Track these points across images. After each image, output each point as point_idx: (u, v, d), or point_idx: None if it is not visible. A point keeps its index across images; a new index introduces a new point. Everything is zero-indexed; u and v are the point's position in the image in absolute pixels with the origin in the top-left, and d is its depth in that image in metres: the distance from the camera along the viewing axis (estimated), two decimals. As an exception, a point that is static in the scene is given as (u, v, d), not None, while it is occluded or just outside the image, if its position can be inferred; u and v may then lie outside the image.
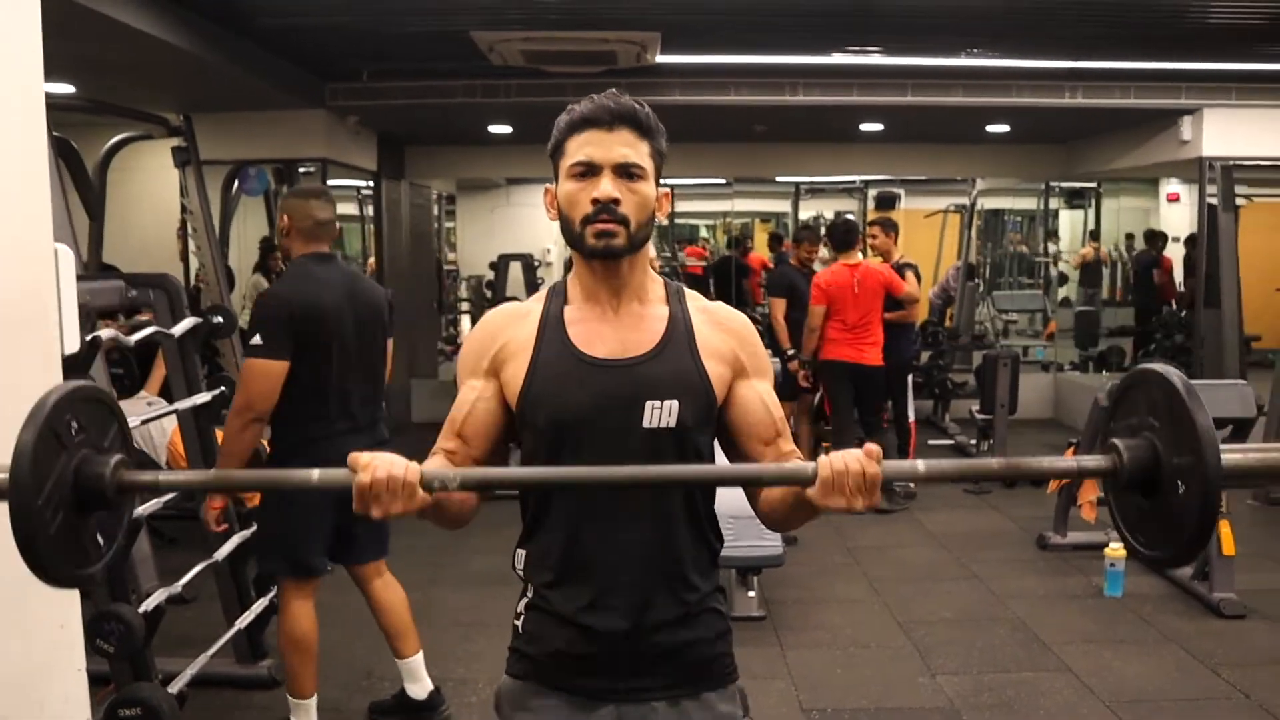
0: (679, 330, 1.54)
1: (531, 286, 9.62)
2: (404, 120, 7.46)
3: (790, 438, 1.61)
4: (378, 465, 1.28)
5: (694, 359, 1.52)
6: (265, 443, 3.18)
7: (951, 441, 7.71)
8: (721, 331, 1.57)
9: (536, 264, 9.01)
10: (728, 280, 9.74)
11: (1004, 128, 7.82)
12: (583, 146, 1.49)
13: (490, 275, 9.77)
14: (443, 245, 10.28)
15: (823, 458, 1.33)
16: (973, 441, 7.29)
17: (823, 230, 8.38)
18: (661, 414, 1.48)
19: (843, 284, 5.78)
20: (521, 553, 1.59)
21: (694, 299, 1.60)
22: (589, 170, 1.49)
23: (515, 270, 8.74)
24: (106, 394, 1.35)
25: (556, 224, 1.55)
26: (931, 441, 7.69)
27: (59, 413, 1.22)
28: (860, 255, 5.98)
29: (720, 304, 1.62)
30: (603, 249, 1.49)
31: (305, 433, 2.97)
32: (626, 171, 1.49)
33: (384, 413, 3.16)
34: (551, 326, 1.54)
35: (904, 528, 5.69)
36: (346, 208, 8.59)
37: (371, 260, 8.13)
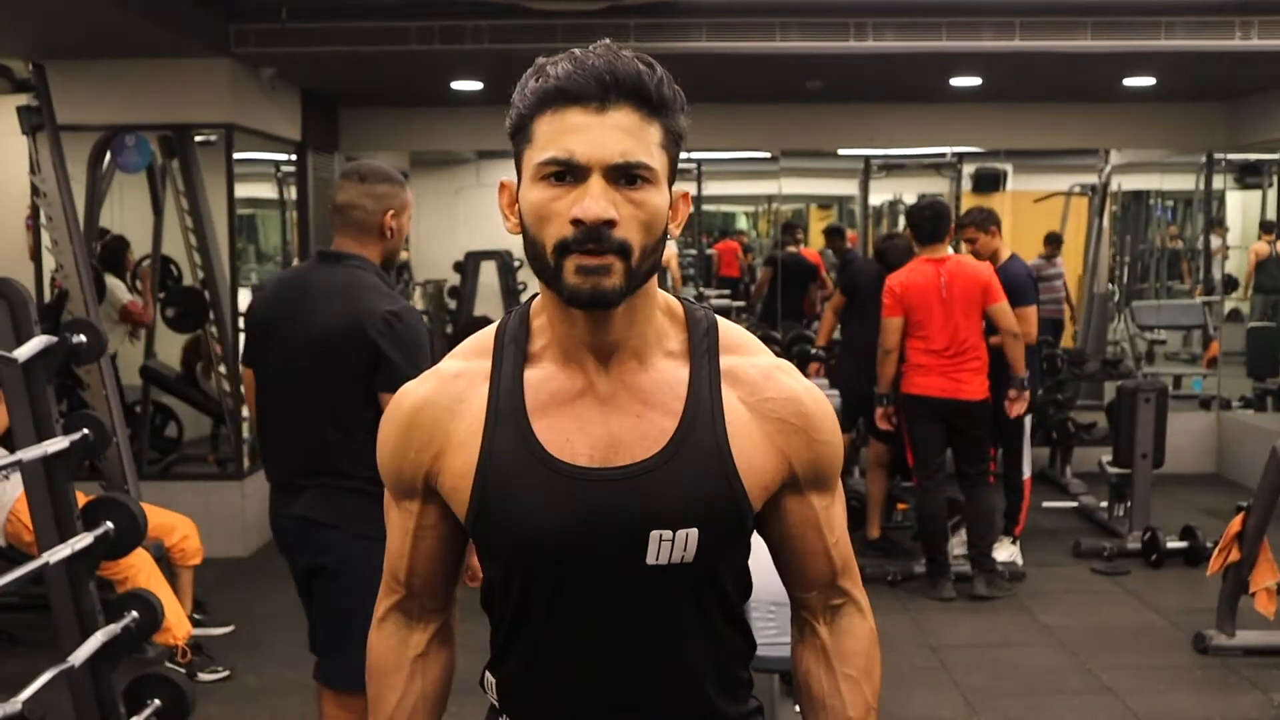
0: (702, 412, 1.47)
1: (510, 294, 9.55)
2: (337, 74, 7.44)
3: (854, 573, 1.61)
4: None
5: (723, 462, 1.46)
6: None
7: (1074, 504, 7.70)
8: (770, 421, 1.50)
9: (517, 264, 9.03)
10: (788, 286, 9.70)
11: (1148, 81, 7.78)
12: (560, 135, 1.38)
13: (455, 280, 9.77)
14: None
15: None
16: (1103, 504, 7.26)
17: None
18: (674, 547, 1.45)
19: (924, 286, 5.74)
20: (491, 680, 1.60)
21: (731, 347, 1.52)
22: (568, 173, 1.38)
23: (488, 272, 8.81)
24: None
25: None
26: (1047, 504, 7.66)
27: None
28: (951, 249, 5.99)
29: (776, 368, 1.53)
30: (589, 294, 1.39)
31: None
32: (627, 175, 1.38)
33: (345, 484, 3.06)
34: (506, 407, 1.48)
35: (1009, 620, 5.68)
36: (261, 189, 8.58)
37: (296, 260, 8.12)
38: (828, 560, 1.57)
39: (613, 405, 1.46)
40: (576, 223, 1.36)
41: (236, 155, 7.01)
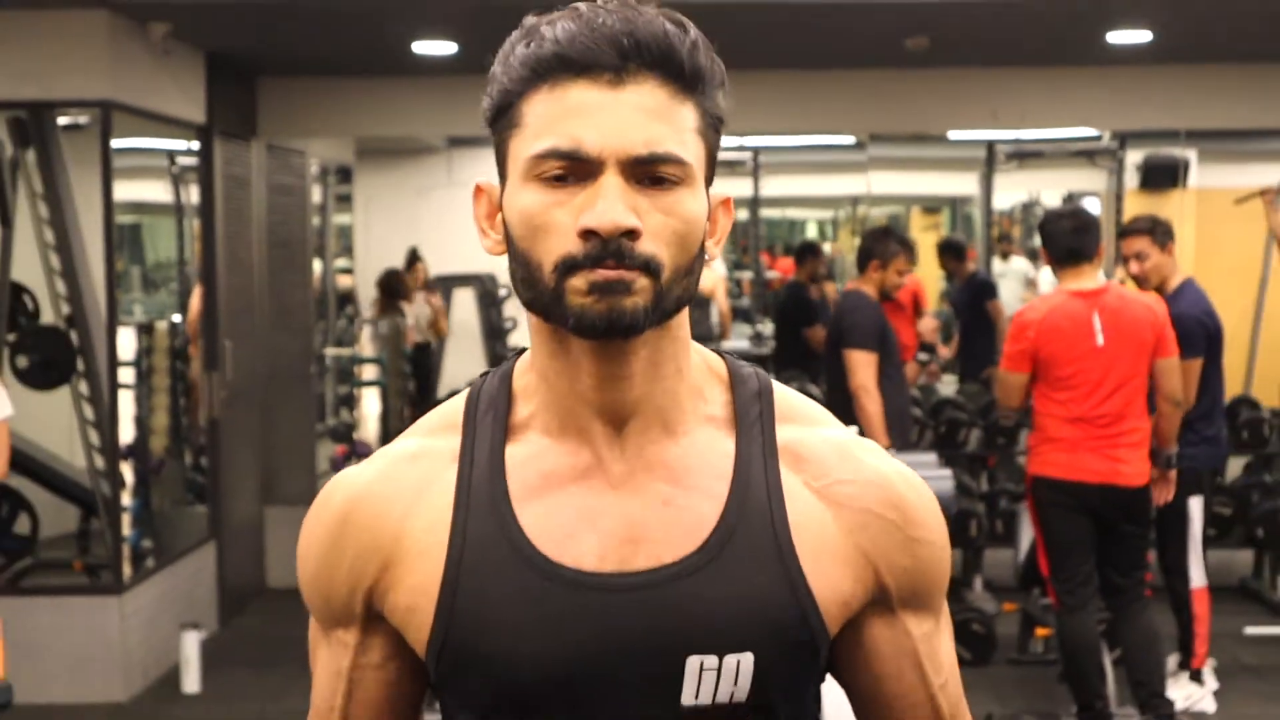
0: (754, 496, 1.49)
1: (494, 334, 9.69)
2: (254, 30, 7.54)
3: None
4: None
5: (784, 563, 1.48)
6: None
7: (1290, 632, 7.61)
8: (848, 512, 1.51)
9: (503, 294, 9.19)
10: (788, 339, 9.61)
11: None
12: (561, 119, 1.42)
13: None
14: (328, 254, 10.36)
15: None
16: (1333, 636, 7.31)
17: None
18: (720, 679, 1.46)
19: (1071, 329, 5.67)
20: None
21: (791, 415, 1.55)
22: (574, 169, 1.41)
23: (464, 302, 8.98)
24: None
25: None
26: (1252, 629, 7.49)
27: None
28: (1103, 276, 5.87)
29: (856, 443, 1.57)
30: (604, 317, 1.41)
31: None
32: (652, 174, 1.42)
33: None
34: (482, 495, 1.49)
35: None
36: (151, 190, 8.64)
37: (196, 291, 8.05)
38: (933, 712, 1.56)
39: (630, 488, 1.49)
40: (587, 234, 1.39)
41: (117, 144, 6.95)
